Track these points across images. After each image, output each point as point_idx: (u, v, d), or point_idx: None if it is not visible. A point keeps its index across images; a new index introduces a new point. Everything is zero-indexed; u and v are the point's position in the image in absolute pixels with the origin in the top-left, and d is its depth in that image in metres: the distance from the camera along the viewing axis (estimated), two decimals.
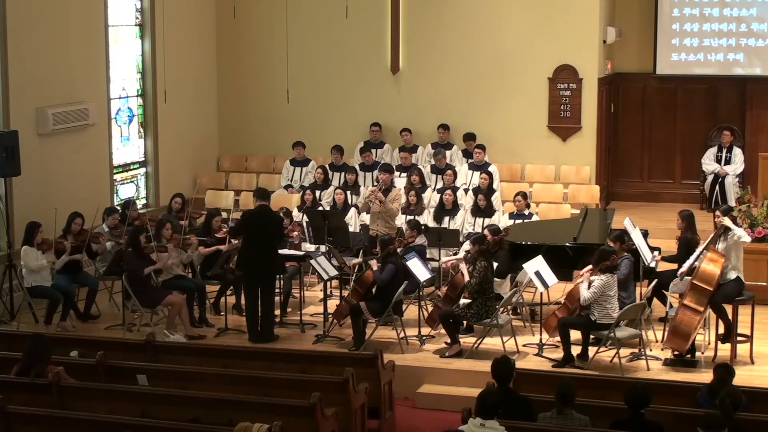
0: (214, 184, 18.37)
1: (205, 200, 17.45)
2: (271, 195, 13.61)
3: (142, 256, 13.01)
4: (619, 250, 12.22)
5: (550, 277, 12.17)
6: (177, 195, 15.32)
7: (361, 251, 14.48)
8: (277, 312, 13.24)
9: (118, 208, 15.12)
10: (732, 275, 11.91)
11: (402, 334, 12.53)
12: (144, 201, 17.50)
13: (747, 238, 12.14)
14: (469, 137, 17.53)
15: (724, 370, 9.20)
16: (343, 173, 16.82)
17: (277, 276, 13.19)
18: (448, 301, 12.58)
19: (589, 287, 11.59)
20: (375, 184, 16.14)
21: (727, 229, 11.90)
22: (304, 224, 14.89)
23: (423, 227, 13.94)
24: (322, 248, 14.18)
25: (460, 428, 8.02)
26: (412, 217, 14.56)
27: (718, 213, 12.23)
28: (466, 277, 12.24)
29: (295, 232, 14.16)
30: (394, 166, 16.88)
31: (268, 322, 12.83)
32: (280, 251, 13.17)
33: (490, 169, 16.42)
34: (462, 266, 12.52)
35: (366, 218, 15.33)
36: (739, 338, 12.02)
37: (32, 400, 9.50)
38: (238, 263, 13.16)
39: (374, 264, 12.55)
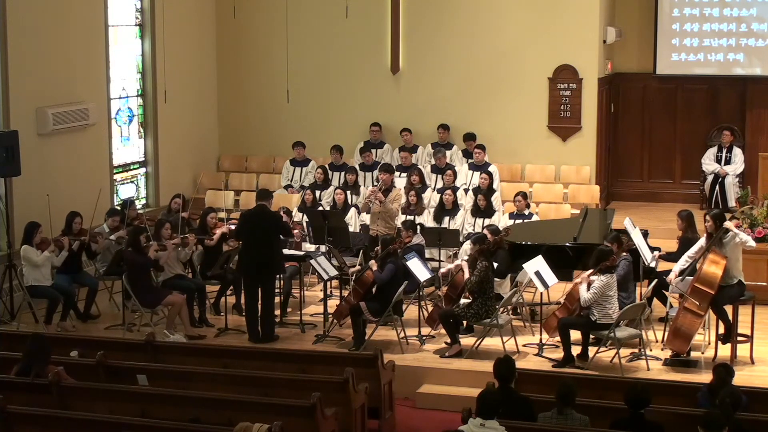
0: (214, 184, 18.35)
1: (205, 200, 17.45)
2: (272, 195, 13.55)
3: (143, 255, 13.00)
4: (618, 251, 12.21)
5: (550, 277, 12.17)
6: (176, 195, 15.31)
7: (361, 251, 14.49)
8: (277, 312, 13.24)
9: (118, 208, 15.11)
10: (734, 279, 11.89)
11: (402, 334, 12.53)
12: (144, 201, 17.50)
13: (752, 243, 12.10)
14: (469, 137, 17.53)
15: (724, 370, 9.20)
16: (343, 173, 16.82)
17: (278, 276, 13.18)
18: (448, 301, 12.58)
19: (588, 288, 11.59)
20: (375, 184, 16.15)
21: (726, 232, 11.86)
22: (305, 224, 14.89)
23: (418, 227, 13.95)
24: (322, 248, 14.18)
25: (460, 428, 8.02)
26: (410, 218, 14.55)
27: (708, 218, 12.12)
28: (467, 275, 12.24)
29: (296, 231, 14.17)
30: (394, 166, 16.90)
31: (269, 322, 12.83)
32: (285, 252, 13.17)
33: (490, 169, 16.42)
34: (463, 264, 12.51)
35: (366, 218, 15.34)
36: (739, 338, 12.01)
37: (32, 400, 9.50)
38: (238, 263, 13.17)
39: (373, 264, 12.56)
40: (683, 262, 12.25)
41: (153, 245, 13.11)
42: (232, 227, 13.96)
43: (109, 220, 14.29)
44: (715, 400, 8.64)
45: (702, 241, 12.14)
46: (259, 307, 12.82)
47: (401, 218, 15.07)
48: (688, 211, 13.40)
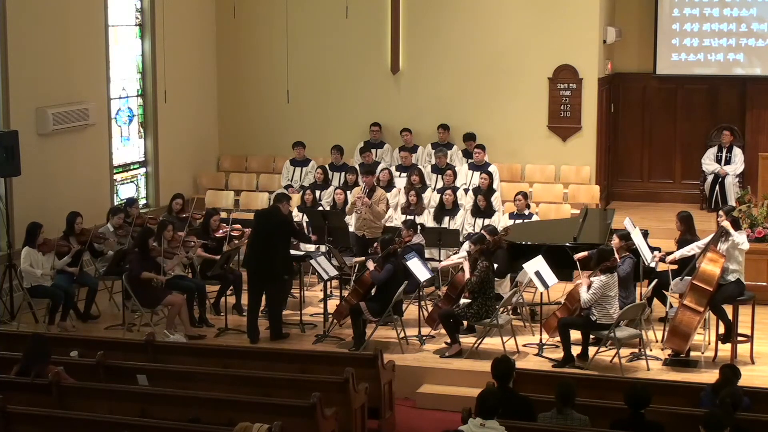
0: (214, 184, 18.37)
1: (205, 200, 17.45)
2: (288, 198, 13.48)
3: (148, 258, 13.02)
4: (621, 249, 12.22)
5: (550, 277, 12.17)
6: (177, 196, 15.25)
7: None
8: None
9: (122, 207, 15.08)
10: (732, 277, 11.89)
11: (402, 334, 12.53)
12: (144, 201, 17.49)
13: (746, 246, 12.06)
14: (469, 137, 17.52)
15: (730, 371, 9.20)
16: (343, 173, 16.82)
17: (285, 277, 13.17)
18: (448, 300, 12.58)
19: (588, 289, 11.59)
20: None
21: (728, 232, 11.88)
22: (305, 224, 14.88)
23: (419, 226, 13.96)
24: (322, 248, 14.18)
25: (460, 428, 8.02)
26: (411, 218, 14.56)
27: (721, 213, 12.23)
28: (467, 275, 12.24)
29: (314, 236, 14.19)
30: (393, 167, 16.94)
31: (274, 322, 12.82)
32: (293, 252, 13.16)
33: (490, 169, 16.41)
34: (464, 264, 12.51)
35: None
36: (739, 338, 12.01)
37: (32, 400, 9.51)
38: (243, 261, 13.18)
39: (371, 264, 12.57)
40: (690, 248, 12.22)
41: (161, 250, 13.12)
42: (233, 234, 13.98)
43: (114, 218, 14.27)
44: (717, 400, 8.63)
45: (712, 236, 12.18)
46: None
47: (389, 216, 15.14)
48: (688, 212, 13.38)
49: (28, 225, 13.36)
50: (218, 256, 13.67)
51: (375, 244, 12.89)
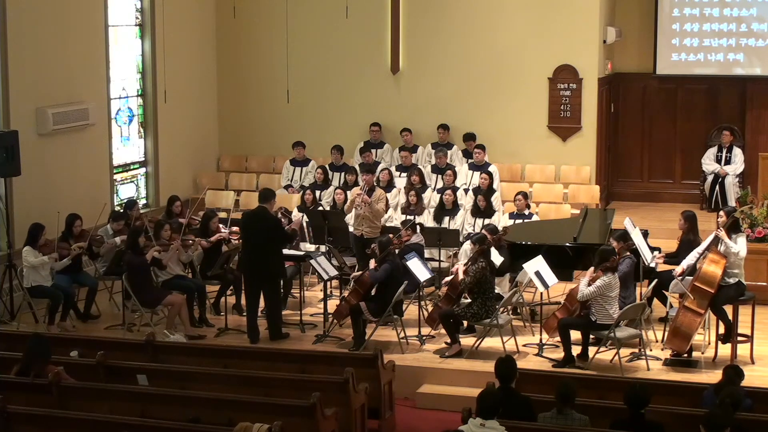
0: (214, 184, 18.36)
1: (205, 200, 17.44)
2: (274, 196, 13.38)
3: (142, 257, 13.00)
4: (621, 250, 12.22)
5: (550, 277, 12.17)
6: (175, 198, 15.16)
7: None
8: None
9: (121, 211, 15.05)
10: (732, 280, 11.88)
11: (402, 334, 12.53)
12: (144, 201, 17.49)
13: (743, 253, 11.99)
14: (469, 137, 17.53)
15: (734, 372, 9.22)
16: (343, 173, 16.82)
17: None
18: (448, 301, 12.58)
19: (589, 284, 11.57)
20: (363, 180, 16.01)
21: (730, 232, 11.86)
22: (304, 224, 14.88)
23: (418, 226, 13.96)
24: (322, 248, 14.18)
25: (460, 428, 8.02)
26: (410, 218, 14.56)
27: (721, 213, 12.21)
28: (460, 275, 12.24)
29: (292, 225, 14.16)
30: (393, 167, 16.93)
31: (273, 322, 12.82)
32: (285, 252, 13.13)
33: (490, 169, 16.41)
34: (459, 265, 12.51)
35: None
36: (739, 338, 12.01)
37: (32, 400, 9.50)
38: (238, 264, 13.17)
39: (372, 263, 12.57)
40: (692, 257, 12.20)
41: (154, 246, 13.12)
42: (230, 236, 13.97)
43: (114, 224, 14.23)
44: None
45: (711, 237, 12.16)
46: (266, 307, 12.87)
47: (389, 216, 15.12)
48: (692, 212, 13.34)
49: (30, 226, 13.35)
50: (222, 234, 13.68)
51: (372, 245, 12.87)
